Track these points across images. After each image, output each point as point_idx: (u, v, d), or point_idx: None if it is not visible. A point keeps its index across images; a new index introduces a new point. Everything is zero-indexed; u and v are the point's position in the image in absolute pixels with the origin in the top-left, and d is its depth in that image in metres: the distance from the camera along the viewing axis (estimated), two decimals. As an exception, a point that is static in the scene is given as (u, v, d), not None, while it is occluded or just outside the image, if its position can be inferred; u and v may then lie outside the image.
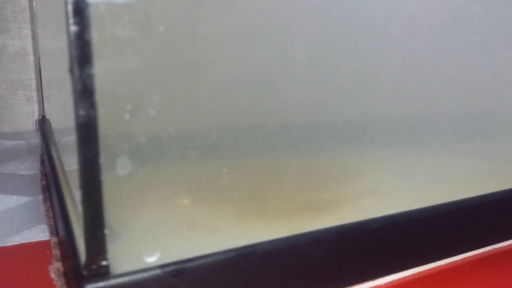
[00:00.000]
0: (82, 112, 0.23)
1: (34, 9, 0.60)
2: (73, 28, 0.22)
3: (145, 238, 0.31)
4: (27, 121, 0.74)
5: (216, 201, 0.37)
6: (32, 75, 0.73)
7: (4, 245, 0.40)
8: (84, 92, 0.23)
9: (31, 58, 0.72)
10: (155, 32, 0.25)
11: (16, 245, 0.41)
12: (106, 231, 0.26)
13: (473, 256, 0.41)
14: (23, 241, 0.41)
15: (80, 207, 0.34)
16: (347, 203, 0.40)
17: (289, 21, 0.38)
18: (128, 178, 0.29)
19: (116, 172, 0.27)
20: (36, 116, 0.74)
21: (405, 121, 0.47)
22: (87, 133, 0.24)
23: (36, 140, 0.70)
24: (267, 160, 0.42)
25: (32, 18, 0.65)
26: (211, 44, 0.31)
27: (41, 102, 0.63)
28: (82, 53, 0.22)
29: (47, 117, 0.61)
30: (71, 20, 0.22)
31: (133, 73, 0.26)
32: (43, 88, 0.62)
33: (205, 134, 0.35)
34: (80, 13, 0.22)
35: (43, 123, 0.59)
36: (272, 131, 0.39)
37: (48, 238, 0.42)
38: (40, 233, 0.43)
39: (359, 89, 0.42)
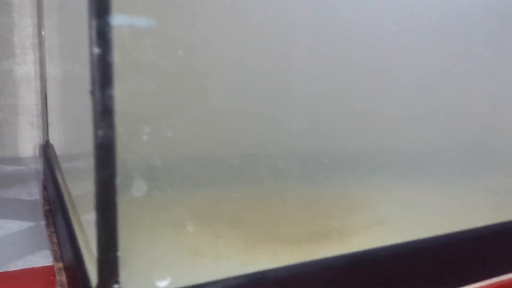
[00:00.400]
0: (101, 133, 0.24)
1: (43, 36, 0.61)
2: (96, 50, 0.22)
3: (156, 262, 0.31)
4: (28, 147, 0.74)
5: (226, 227, 0.37)
6: (35, 100, 0.73)
7: (7, 270, 0.40)
8: (104, 113, 0.23)
9: (35, 83, 0.72)
10: (174, 55, 0.26)
11: (19, 270, 0.40)
12: (119, 254, 0.26)
13: (479, 286, 0.41)
14: (26, 266, 0.41)
15: (89, 230, 0.34)
16: (355, 232, 0.40)
17: (295, 51, 0.39)
18: (140, 201, 0.29)
19: (131, 194, 0.27)
20: (37, 142, 0.74)
21: (411, 153, 0.47)
22: (105, 153, 0.24)
23: (37, 165, 0.69)
24: (276, 188, 0.42)
25: (40, 44, 0.66)
26: (226, 71, 0.32)
27: (45, 127, 0.63)
28: (103, 75, 0.23)
29: (51, 142, 0.61)
30: (94, 43, 0.22)
31: (151, 95, 0.26)
32: (48, 113, 0.62)
33: (215, 160, 0.35)
34: (104, 35, 0.22)
35: (46, 148, 0.59)
36: (282, 159, 0.39)
37: (52, 264, 0.41)
38: (43, 259, 0.42)
39: (367, 120, 0.43)
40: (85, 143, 0.42)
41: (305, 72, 0.41)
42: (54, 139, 0.60)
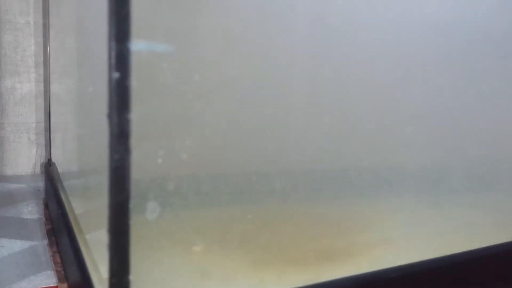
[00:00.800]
0: (117, 156, 0.24)
1: (48, 55, 0.62)
2: (115, 75, 0.22)
3: (165, 284, 0.31)
4: (29, 165, 0.74)
5: (234, 247, 0.37)
6: (36, 119, 0.73)
7: (10, 291, 0.39)
8: (121, 137, 0.23)
9: (38, 101, 0.73)
10: (190, 79, 0.26)
11: (22, 291, 0.40)
12: (131, 277, 0.26)
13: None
14: (29, 287, 0.40)
15: (95, 250, 0.34)
16: (361, 252, 0.40)
17: (298, 73, 0.40)
18: (150, 222, 0.29)
19: (144, 215, 0.27)
20: (38, 160, 0.74)
21: (414, 172, 0.48)
22: (120, 177, 0.24)
23: (38, 183, 0.69)
24: (284, 207, 0.42)
25: (45, 63, 0.67)
26: (235, 92, 0.32)
27: (48, 145, 0.63)
28: (121, 99, 0.23)
29: (53, 160, 0.60)
30: (113, 67, 0.22)
31: (165, 117, 0.26)
32: (51, 131, 0.62)
33: (224, 179, 0.36)
34: (123, 60, 0.22)
35: (49, 167, 0.59)
36: (289, 178, 0.39)
37: (56, 285, 0.41)
38: (46, 279, 0.42)
39: (373, 138, 0.43)
40: (90, 161, 0.42)
41: (308, 92, 0.41)
42: (56, 158, 0.60)
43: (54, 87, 0.63)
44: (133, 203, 0.26)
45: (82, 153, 0.48)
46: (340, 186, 0.43)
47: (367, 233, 0.43)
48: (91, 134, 0.38)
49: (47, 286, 0.41)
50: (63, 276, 0.42)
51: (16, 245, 0.48)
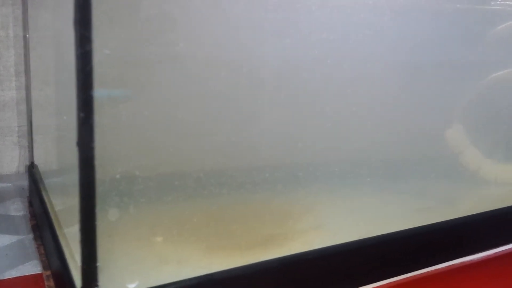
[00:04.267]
0: (84, 178, 0.31)
1: (28, 64, 0.69)
2: (82, 114, 0.30)
3: (128, 269, 0.39)
4: (13, 165, 0.81)
5: (190, 237, 0.45)
6: (18, 123, 0.80)
7: (2, 279, 0.47)
8: (87, 161, 0.31)
9: (20, 107, 0.79)
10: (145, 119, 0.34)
11: (13, 278, 0.47)
12: (98, 264, 0.34)
13: (398, 280, 0.50)
14: (18, 275, 0.48)
15: (72, 243, 0.42)
16: (294, 238, 0.49)
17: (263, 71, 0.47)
18: (116, 220, 0.37)
19: (107, 218, 0.35)
20: (22, 160, 0.81)
21: (350, 164, 0.56)
22: (88, 197, 0.32)
23: (23, 182, 0.76)
24: (231, 200, 0.50)
25: (26, 72, 0.73)
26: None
27: (30, 149, 0.70)
28: (86, 133, 0.31)
29: (36, 162, 0.68)
30: (80, 109, 0.30)
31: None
32: (33, 135, 0.69)
33: (181, 176, 0.43)
34: (87, 104, 0.30)
35: (32, 169, 0.66)
36: (237, 173, 0.47)
37: (41, 272, 0.49)
38: (33, 268, 0.50)
39: (314, 131, 0.51)
40: (66, 162, 0.49)
41: (271, 92, 0.49)
42: (38, 159, 0.68)
43: (34, 94, 0.70)
44: (100, 203, 0.34)
45: (60, 155, 0.55)
46: (283, 179, 0.51)
47: (304, 221, 0.51)
48: (67, 137, 0.45)
49: (34, 273, 0.49)
50: (46, 265, 0.50)
51: (5, 239, 0.56)
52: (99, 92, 0.30)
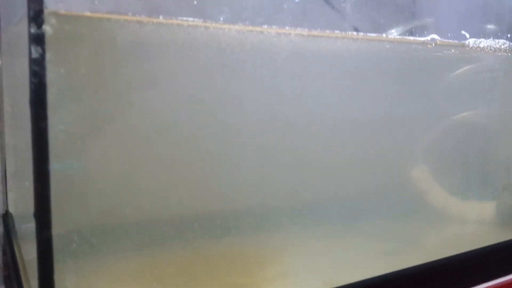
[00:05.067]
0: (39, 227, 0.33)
1: (4, 110, 0.70)
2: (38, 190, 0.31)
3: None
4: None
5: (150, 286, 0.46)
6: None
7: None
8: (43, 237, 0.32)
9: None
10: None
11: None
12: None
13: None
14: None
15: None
16: (260, 286, 0.50)
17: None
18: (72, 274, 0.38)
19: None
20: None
21: (314, 205, 0.57)
22: (45, 245, 0.33)
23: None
24: (195, 248, 0.51)
25: (0, 117, 0.74)
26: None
27: (5, 195, 0.71)
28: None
29: (10, 210, 0.68)
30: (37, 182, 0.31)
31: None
32: (7, 182, 0.70)
33: (141, 226, 0.45)
34: (43, 178, 0.32)
35: (6, 217, 0.67)
36: (198, 220, 0.48)
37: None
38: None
39: (284, 173, 0.52)
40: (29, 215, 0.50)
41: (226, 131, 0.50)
42: (12, 207, 0.68)
43: (9, 140, 0.71)
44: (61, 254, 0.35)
45: (29, 203, 0.55)
46: (244, 225, 0.52)
47: (267, 269, 0.52)
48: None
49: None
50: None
51: (-24, 291, 0.56)
52: (55, 166, 0.32)
